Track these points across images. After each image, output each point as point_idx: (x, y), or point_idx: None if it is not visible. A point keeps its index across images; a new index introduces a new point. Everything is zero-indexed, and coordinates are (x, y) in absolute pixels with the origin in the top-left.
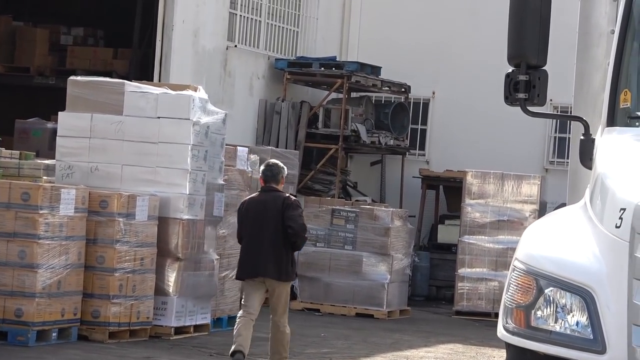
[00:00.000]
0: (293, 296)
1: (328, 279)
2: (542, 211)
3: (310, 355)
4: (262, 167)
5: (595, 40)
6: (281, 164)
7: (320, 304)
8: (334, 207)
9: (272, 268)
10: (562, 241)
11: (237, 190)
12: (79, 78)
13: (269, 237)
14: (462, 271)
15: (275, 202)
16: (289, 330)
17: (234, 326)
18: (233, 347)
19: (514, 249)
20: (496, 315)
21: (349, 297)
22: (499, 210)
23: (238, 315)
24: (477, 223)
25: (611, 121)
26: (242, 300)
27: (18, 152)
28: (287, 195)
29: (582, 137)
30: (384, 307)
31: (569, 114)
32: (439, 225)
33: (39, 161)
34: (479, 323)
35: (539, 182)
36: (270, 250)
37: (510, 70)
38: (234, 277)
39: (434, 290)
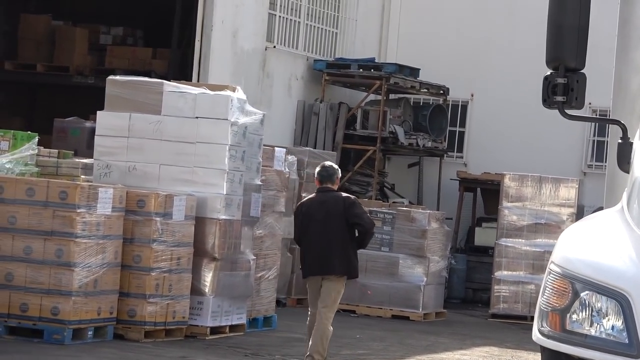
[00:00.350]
0: None
1: (364, 280)
2: (579, 215)
3: (346, 356)
4: (317, 169)
5: (635, 43)
6: (335, 165)
7: (356, 305)
8: (371, 208)
9: (338, 265)
10: (598, 245)
11: (274, 190)
12: (117, 77)
13: (334, 236)
14: (498, 274)
15: (336, 202)
16: (332, 329)
17: (269, 326)
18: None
19: (551, 252)
20: (532, 318)
21: (385, 299)
22: (537, 214)
23: (309, 315)
24: (515, 226)
25: None
26: (309, 299)
27: (56, 151)
28: (346, 194)
29: (620, 141)
30: (420, 309)
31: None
32: (476, 228)
33: (77, 160)
34: (515, 326)
35: (577, 186)
36: (336, 249)
37: (548, 73)
38: (270, 277)
39: (471, 293)
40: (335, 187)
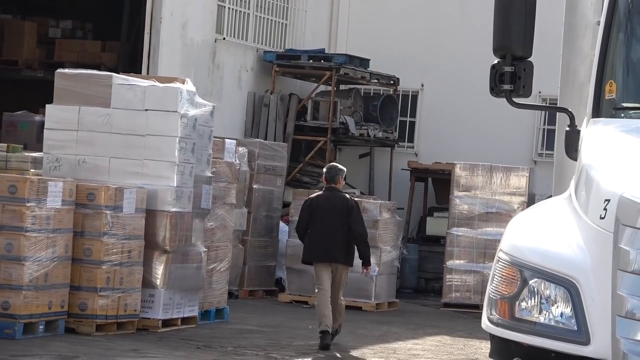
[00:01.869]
0: (281, 288)
1: None
2: (530, 203)
3: (298, 347)
4: (324, 169)
5: (581, 32)
6: (340, 167)
7: (309, 296)
8: None
9: (339, 255)
10: (546, 232)
11: (225, 182)
12: (66, 71)
13: (336, 229)
14: (450, 263)
15: (340, 201)
16: (344, 303)
17: (222, 318)
18: (320, 327)
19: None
20: None
21: None
22: (488, 203)
23: (316, 293)
24: (466, 215)
25: (596, 112)
26: (315, 280)
27: (5, 145)
28: (349, 196)
29: (567, 129)
30: (372, 299)
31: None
32: (428, 218)
33: (27, 154)
34: (467, 315)
35: (528, 174)
36: (338, 240)
37: (495, 62)
38: (221, 269)
39: (423, 283)
40: (339, 187)
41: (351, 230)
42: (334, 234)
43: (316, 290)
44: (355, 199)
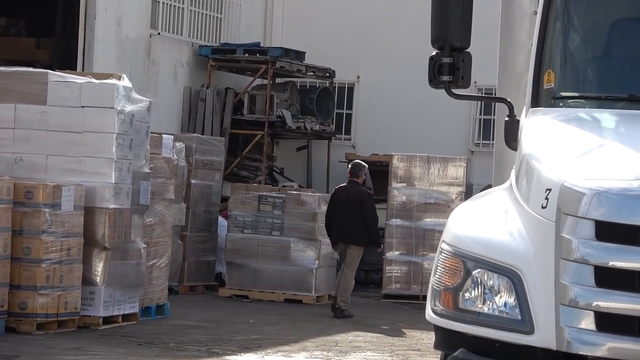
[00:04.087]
0: (221, 283)
1: (256, 265)
2: (468, 193)
3: (240, 342)
4: (350, 165)
5: (518, 22)
6: (363, 164)
7: (249, 290)
8: (260, 193)
9: (352, 237)
10: (488, 223)
11: (164, 178)
12: (1, 69)
13: (351, 216)
14: (389, 254)
15: (356, 193)
16: (353, 282)
17: (162, 314)
18: (334, 294)
19: (441, 231)
20: (424, 297)
21: (278, 283)
22: (426, 193)
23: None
24: (404, 206)
25: (535, 102)
26: (338, 257)
27: None
28: (365, 189)
29: (506, 119)
30: (313, 292)
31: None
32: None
33: None
34: (408, 306)
35: (465, 164)
36: (352, 225)
37: (434, 53)
38: (161, 265)
39: (362, 274)
40: (360, 181)
41: (362, 218)
42: (349, 219)
43: (340, 267)
44: (294, 191)
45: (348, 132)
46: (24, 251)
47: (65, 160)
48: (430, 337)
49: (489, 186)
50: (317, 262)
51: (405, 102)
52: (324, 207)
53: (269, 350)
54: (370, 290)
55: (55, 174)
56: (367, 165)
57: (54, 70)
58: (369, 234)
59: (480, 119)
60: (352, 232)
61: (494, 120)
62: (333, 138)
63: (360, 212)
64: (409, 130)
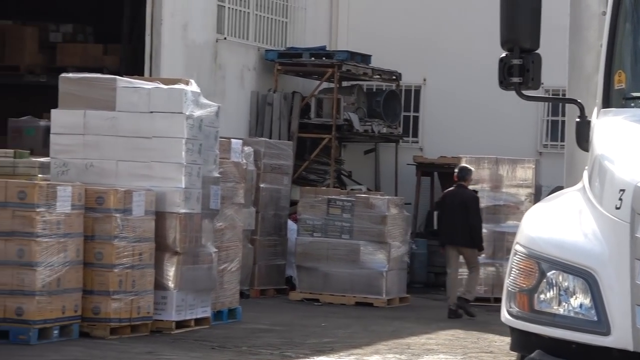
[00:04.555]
0: (292, 287)
1: (326, 268)
2: (537, 194)
3: (312, 345)
4: (456, 169)
5: (587, 22)
6: (469, 167)
7: (320, 294)
8: (329, 196)
9: (461, 239)
10: (562, 224)
11: (233, 182)
12: (70, 75)
13: (458, 219)
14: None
15: (462, 196)
16: (478, 275)
17: (234, 318)
18: (448, 302)
19: (510, 233)
20: (495, 300)
21: (348, 286)
22: (495, 195)
23: (448, 272)
24: None
25: (606, 103)
26: (446, 262)
27: (12, 150)
28: (472, 192)
29: (577, 120)
30: (383, 295)
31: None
32: (435, 212)
33: (34, 159)
34: (478, 308)
35: (534, 166)
36: (459, 227)
37: (503, 55)
38: (232, 269)
39: (433, 277)
40: (467, 184)
41: (468, 221)
42: (456, 222)
43: (448, 271)
44: (362, 194)
45: (415, 134)
46: (97, 256)
47: (135, 166)
48: (502, 340)
49: (559, 188)
50: (387, 264)
51: (472, 103)
52: (393, 210)
53: (341, 354)
54: (441, 292)
55: (125, 179)
56: (473, 169)
57: (121, 76)
58: (473, 237)
59: (548, 121)
60: (460, 235)
61: (562, 121)
62: (400, 141)
63: (466, 215)
64: (477, 132)
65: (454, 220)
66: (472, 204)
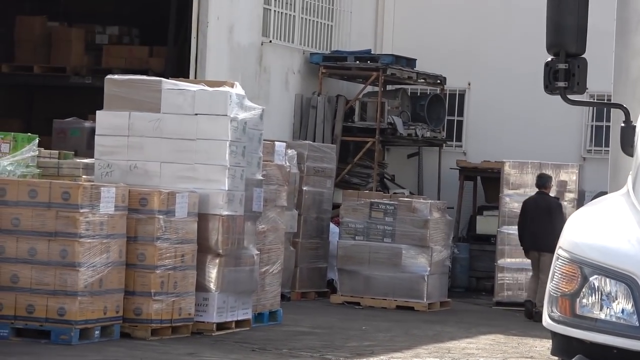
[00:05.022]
0: (333, 290)
1: (368, 272)
2: (580, 200)
3: (352, 348)
4: (537, 177)
5: (634, 27)
6: (548, 175)
7: (361, 297)
8: (372, 200)
9: (542, 245)
10: (605, 229)
11: (276, 185)
12: (116, 77)
13: (541, 225)
14: (501, 262)
15: (544, 202)
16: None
17: (275, 321)
18: (525, 298)
19: None
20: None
21: (389, 290)
22: None
23: (531, 277)
24: (516, 213)
25: None
26: (531, 265)
27: (57, 151)
28: (554, 199)
29: (622, 125)
30: (424, 299)
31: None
32: (478, 216)
33: (78, 160)
34: (519, 313)
35: (577, 171)
36: (541, 233)
37: (549, 59)
38: (274, 271)
39: (474, 282)
40: (548, 191)
41: (552, 226)
42: (540, 228)
43: (531, 275)
44: (405, 198)
45: (459, 138)
46: (139, 257)
47: (179, 168)
48: (543, 345)
49: (603, 193)
50: (428, 268)
51: (516, 108)
52: (436, 214)
53: (381, 357)
54: (481, 297)
55: (168, 180)
56: (552, 176)
57: (166, 78)
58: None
59: (592, 126)
60: (543, 240)
61: (607, 126)
62: (444, 145)
63: (549, 221)
64: (521, 137)
65: (537, 226)
66: (556, 210)
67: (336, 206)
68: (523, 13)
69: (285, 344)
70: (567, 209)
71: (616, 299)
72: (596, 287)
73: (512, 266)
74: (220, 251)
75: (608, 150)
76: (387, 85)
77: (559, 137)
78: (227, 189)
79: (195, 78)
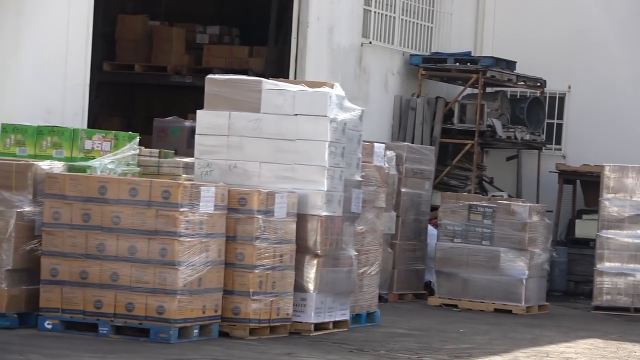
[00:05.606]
0: (430, 292)
1: (466, 274)
2: None
3: (450, 350)
4: None
5: None
6: None
7: (458, 300)
8: (470, 202)
9: None
10: None
11: (375, 186)
12: (216, 76)
13: None
14: (600, 266)
15: None
16: None
17: (373, 322)
18: None
19: None
20: (636, 310)
21: (487, 293)
22: (639, 205)
23: None
24: (616, 217)
25: None
26: None
27: (157, 150)
28: None
29: None
30: (523, 302)
31: None
32: (577, 220)
33: (178, 159)
34: (618, 318)
35: None
36: None
37: None
38: (372, 273)
39: (572, 285)
40: None
41: None
42: None
43: None
44: (504, 200)
45: (558, 142)
46: (238, 257)
47: (278, 168)
48: None
49: None
50: (527, 272)
51: (616, 112)
52: (535, 217)
53: None
54: (580, 301)
55: (268, 180)
56: None
57: (267, 79)
58: None
59: None
60: None
61: None
62: (543, 148)
63: None
64: (621, 141)
65: None
66: None
67: (434, 208)
68: (623, 16)
69: (382, 345)
70: None
71: None
72: None
73: (612, 270)
74: (319, 252)
75: None
76: (487, 88)
77: None
78: (326, 189)
79: (295, 78)
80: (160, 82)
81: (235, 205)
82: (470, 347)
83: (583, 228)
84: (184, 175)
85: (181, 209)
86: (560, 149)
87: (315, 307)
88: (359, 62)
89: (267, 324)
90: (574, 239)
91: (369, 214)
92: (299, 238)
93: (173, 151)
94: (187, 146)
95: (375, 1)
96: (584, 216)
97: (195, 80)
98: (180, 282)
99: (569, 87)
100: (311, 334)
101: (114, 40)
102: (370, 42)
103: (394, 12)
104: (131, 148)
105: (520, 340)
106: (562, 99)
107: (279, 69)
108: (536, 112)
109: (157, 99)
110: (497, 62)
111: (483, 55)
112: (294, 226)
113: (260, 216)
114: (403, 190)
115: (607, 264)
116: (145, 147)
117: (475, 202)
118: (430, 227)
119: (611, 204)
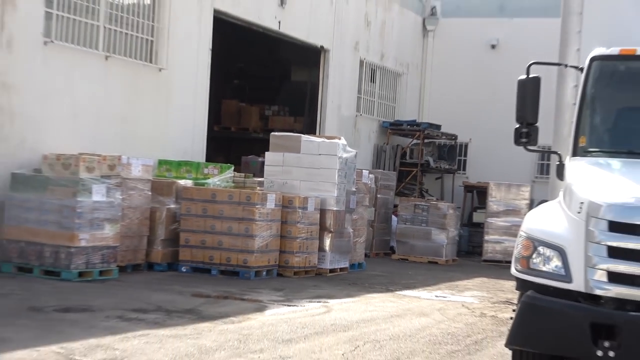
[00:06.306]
0: (393, 252)
1: (412, 242)
2: (531, 205)
3: (404, 284)
4: None
5: (564, 109)
6: None
7: (409, 256)
8: (415, 202)
9: None
10: (547, 220)
11: (362, 194)
12: (276, 133)
13: None
14: (487, 237)
15: None
16: None
17: (361, 268)
18: None
19: (516, 225)
20: (507, 262)
21: (424, 252)
22: (507, 204)
23: None
24: (495, 211)
25: (574, 153)
26: None
27: (243, 174)
28: None
29: (557, 163)
30: (444, 257)
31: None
32: (474, 213)
33: (255, 179)
34: (496, 266)
35: (529, 188)
36: None
37: (517, 125)
38: (360, 241)
39: (471, 248)
40: None
41: None
42: None
43: None
44: (434, 202)
45: (464, 169)
46: (288, 233)
47: (310, 184)
48: (510, 284)
49: (544, 201)
50: (446, 240)
51: (497, 152)
52: (450, 211)
53: (420, 289)
54: (475, 257)
55: (304, 191)
56: None
57: (303, 134)
58: None
59: (538, 164)
60: None
61: (548, 164)
62: (456, 172)
63: None
64: (500, 168)
65: None
66: None
67: (395, 206)
68: (509, 90)
69: (367, 280)
70: (523, 209)
71: (552, 260)
72: (541, 252)
73: (492, 240)
74: (332, 229)
75: (549, 176)
76: (425, 140)
77: (516, 166)
78: (336, 195)
79: (319, 134)
80: (245, 137)
81: (286, 204)
82: (415, 282)
83: (477, 217)
84: (258, 187)
85: (256, 206)
86: (465, 173)
87: (329, 259)
88: (354, 125)
89: (303, 269)
90: (472, 223)
91: (360, 209)
92: (321, 222)
93: (252, 174)
94: (260, 172)
95: (364, 91)
96: (478, 210)
97: (264, 135)
98: (256, 246)
99: (470, 139)
100: (327, 275)
101: (219, 113)
102: (361, 114)
103: (374, 98)
104: (229, 173)
105: (442, 278)
106: (466, 145)
107: (310, 129)
108: (452, 153)
109: (244, 146)
110: (430, 125)
111: (423, 121)
112: (318, 216)
113: (300, 210)
114: (378, 196)
115: (490, 237)
116: (237, 172)
117: (418, 202)
118: (393, 217)
119: (493, 204)
